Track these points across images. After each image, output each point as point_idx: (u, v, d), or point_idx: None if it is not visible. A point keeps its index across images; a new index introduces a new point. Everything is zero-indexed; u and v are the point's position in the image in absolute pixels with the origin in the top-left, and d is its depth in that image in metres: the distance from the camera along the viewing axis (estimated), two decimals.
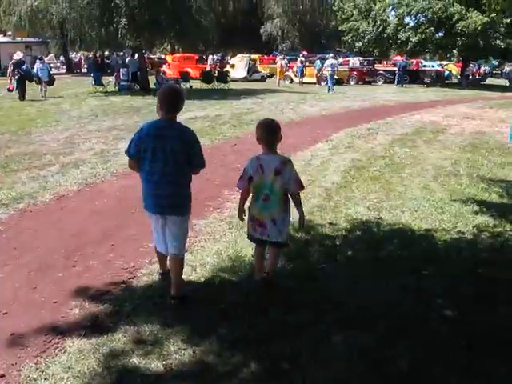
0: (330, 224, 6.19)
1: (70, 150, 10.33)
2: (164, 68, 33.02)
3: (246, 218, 4.51)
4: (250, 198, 4.46)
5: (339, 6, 44.02)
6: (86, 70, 42.69)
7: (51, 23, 33.90)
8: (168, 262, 4.51)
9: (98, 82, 25.96)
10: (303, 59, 33.93)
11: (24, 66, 21.44)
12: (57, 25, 32.61)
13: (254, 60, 37.23)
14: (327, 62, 29.29)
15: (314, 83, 32.00)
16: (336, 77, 28.84)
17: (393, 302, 4.33)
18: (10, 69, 21.92)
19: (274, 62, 36.87)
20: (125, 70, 26.64)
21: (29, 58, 45.01)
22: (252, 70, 35.78)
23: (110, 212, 6.74)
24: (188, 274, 4.71)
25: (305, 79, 32.81)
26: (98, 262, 5.10)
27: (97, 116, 15.72)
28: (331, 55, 33.12)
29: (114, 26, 23.69)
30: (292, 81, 34.32)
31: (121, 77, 26.45)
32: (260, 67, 38.71)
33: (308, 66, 33.93)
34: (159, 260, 4.70)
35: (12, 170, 8.71)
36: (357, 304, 4.28)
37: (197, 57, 37.33)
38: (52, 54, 50.09)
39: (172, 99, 4.14)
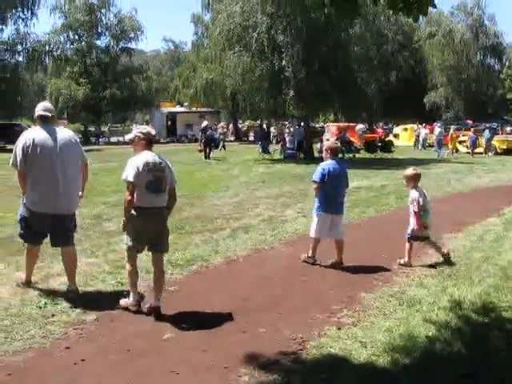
0: (510, 307, 5.74)
1: (239, 215, 10.75)
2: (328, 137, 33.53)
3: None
4: None
5: (507, 74, 42.30)
6: (252, 138, 44.73)
7: (224, 94, 36.35)
8: (336, 244, 7.40)
9: (265, 150, 27.06)
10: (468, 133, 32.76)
11: (209, 132, 25.94)
12: (229, 96, 34.86)
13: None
14: (435, 131, 30.72)
15: (481, 153, 30.66)
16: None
17: None
18: (199, 134, 28.52)
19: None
20: (290, 138, 27.57)
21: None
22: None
23: (277, 279, 6.83)
24: (358, 351, 4.59)
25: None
26: (266, 329, 5.14)
27: (264, 182, 16.29)
28: (438, 124, 32.94)
29: (282, 96, 24.78)
30: (457, 151, 33.12)
31: (287, 145, 27.39)
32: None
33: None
34: (315, 247, 7.42)
35: (186, 233, 9.23)
36: None
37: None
38: (222, 123, 53.30)
39: (336, 149, 7.74)
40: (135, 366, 4.41)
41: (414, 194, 7.47)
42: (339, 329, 5.10)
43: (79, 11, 48.78)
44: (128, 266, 5.69)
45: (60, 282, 6.39)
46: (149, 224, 5.47)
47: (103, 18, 50.57)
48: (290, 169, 21.21)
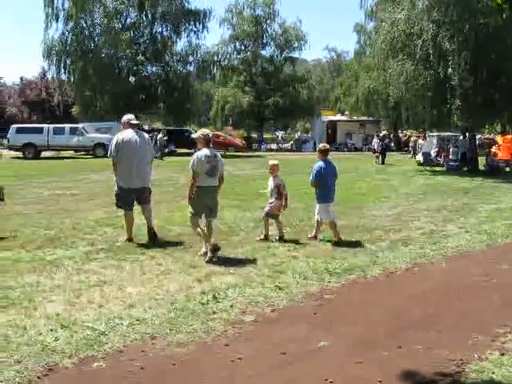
0: None
1: (398, 227, 10.52)
2: (494, 149, 31.69)
3: None
4: None
5: None
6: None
7: (386, 103, 35.81)
8: (330, 225, 9.33)
9: (427, 161, 26.27)
10: None
11: (386, 141, 28.16)
12: (391, 105, 34.25)
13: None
14: None
15: None
16: None
17: None
18: (374, 140, 32.02)
19: None
20: (455, 149, 26.46)
21: (361, 135, 48.26)
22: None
23: (435, 296, 6.61)
24: None
25: None
26: (422, 347, 4.99)
27: (425, 195, 15.80)
28: None
29: (447, 106, 23.86)
30: None
31: (450, 156, 26.33)
32: None
33: None
34: (318, 228, 9.43)
35: (344, 242, 9.19)
36: None
37: None
38: (383, 132, 52.52)
39: (326, 151, 9.51)
40: (289, 370, 4.52)
41: (277, 180, 9.35)
42: (502, 354, 4.81)
43: (246, 23, 50.97)
44: (194, 227, 8.09)
45: (222, 281, 6.75)
46: (207, 197, 7.97)
47: (268, 28, 52.33)
48: (453, 181, 20.35)
